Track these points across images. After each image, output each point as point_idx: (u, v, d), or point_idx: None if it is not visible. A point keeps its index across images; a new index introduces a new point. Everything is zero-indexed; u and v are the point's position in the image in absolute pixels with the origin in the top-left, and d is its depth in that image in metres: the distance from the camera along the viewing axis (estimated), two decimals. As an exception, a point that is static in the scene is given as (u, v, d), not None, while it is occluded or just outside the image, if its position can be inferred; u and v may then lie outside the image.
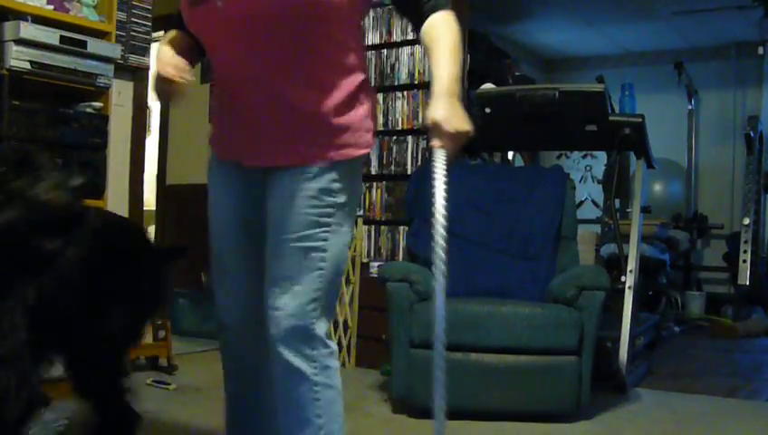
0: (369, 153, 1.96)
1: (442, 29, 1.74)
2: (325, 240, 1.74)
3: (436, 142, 1.71)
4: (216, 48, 1.79)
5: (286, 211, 1.74)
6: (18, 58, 3.10)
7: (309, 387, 1.72)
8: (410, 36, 4.21)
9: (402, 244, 4.17)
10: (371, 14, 4.34)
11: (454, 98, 1.71)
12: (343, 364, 4.19)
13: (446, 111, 1.68)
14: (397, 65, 4.26)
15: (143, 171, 4.37)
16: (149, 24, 4.20)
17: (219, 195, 1.92)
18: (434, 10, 1.76)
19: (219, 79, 1.86)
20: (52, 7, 3.30)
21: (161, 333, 3.91)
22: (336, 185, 1.75)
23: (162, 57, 1.83)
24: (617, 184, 4.53)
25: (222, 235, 1.93)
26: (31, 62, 3.14)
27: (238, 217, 1.89)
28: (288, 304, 1.72)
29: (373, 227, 4.31)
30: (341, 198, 1.76)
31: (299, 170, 1.74)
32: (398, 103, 4.25)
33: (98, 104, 3.45)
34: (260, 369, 1.91)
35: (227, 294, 1.96)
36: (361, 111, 1.79)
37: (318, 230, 1.73)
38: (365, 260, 4.27)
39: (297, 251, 1.73)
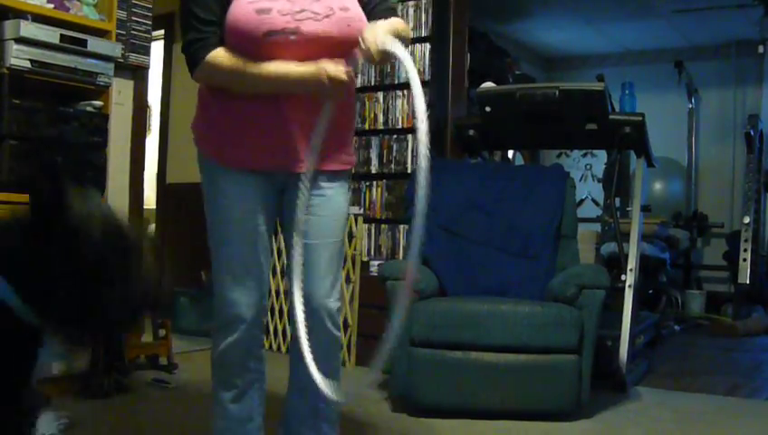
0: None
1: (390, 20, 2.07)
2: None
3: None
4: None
5: (328, 210, 2.14)
6: (18, 57, 3.10)
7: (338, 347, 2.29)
8: (410, 35, 4.20)
9: (402, 242, 4.17)
10: (371, 12, 4.34)
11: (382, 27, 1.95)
12: (343, 363, 4.19)
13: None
14: (397, 64, 4.26)
15: (143, 170, 4.37)
16: (150, 22, 4.20)
17: (236, 199, 2.09)
18: (384, 15, 2.10)
19: (265, 98, 2.02)
20: (52, 6, 3.29)
21: (161, 332, 3.92)
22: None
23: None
24: (617, 183, 4.53)
25: (244, 237, 2.11)
26: (31, 60, 3.14)
27: (260, 218, 2.12)
28: (331, 293, 2.17)
29: (373, 225, 4.31)
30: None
31: (341, 173, 2.17)
32: (399, 102, 4.25)
33: (98, 103, 3.45)
34: (262, 361, 2.26)
35: (250, 291, 2.15)
36: None
37: (345, 228, 2.22)
38: (365, 259, 4.27)
39: (338, 246, 2.17)
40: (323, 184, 2.13)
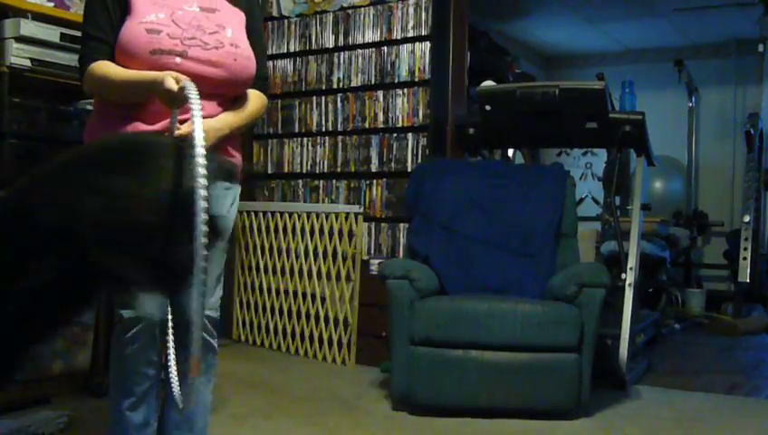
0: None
1: (252, 98, 2.22)
2: None
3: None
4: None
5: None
6: (19, 55, 3.10)
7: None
8: (411, 34, 4.21)
9: (402, 241, 4.17)
10: (372, 11, 4.34)
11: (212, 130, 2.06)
12: (344, 362, 4.20)
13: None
14: (397, 62, 4.26)
15: (143, 169, 4.36)
16: (149, 21, 4.19)
17: None
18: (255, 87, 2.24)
19: (146, 103, 2.07)
20: (52, 4, 3.30)
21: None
22: None
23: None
24: (617, 181, 4.53)
25: None
26: (31, 59, 3.14)
27: None
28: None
29: (373, 224, 4.31)
30: None
31: None
32: (399, 101, 4.25)
33: (98, 102, 3.45)
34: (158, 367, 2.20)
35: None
36: None
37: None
38: (365, 257, 4.27)
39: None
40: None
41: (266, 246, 4.58)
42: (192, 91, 1.67)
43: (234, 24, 2.17)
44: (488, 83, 4.51)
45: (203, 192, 1.33)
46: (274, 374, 3.93)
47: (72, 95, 3.42)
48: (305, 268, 4.38)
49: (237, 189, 2.27)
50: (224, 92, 2.14)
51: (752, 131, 6.21)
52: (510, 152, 5.08)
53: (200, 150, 1.36)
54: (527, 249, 3.61)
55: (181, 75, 1.91)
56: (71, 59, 3.26)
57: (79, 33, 3.25)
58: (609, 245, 5.35)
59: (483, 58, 5.18)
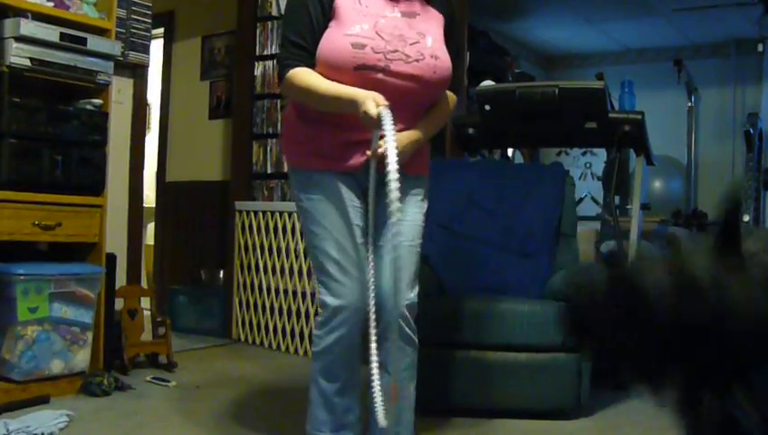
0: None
1: (445, 100, 2.37)
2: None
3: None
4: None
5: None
6: (18, 55, 3.10)
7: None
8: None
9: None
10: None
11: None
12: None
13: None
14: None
15: (143, 168, 4.37)
16: (149, 21, 4.20)
17: (326, 197, 2.26)
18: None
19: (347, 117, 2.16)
20: (52, 4, 3.30)
21: (161, 331, 3.92)
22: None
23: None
24: (617, 181, 4.53)
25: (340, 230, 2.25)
26: (31, 59, 3.14)
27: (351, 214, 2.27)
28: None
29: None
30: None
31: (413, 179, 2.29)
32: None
33: (98, 101, 3.46)
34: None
35: (354, 283, 2.25)
36: None
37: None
38: (365, 257, 4.26)
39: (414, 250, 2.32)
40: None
41: (266, 245, 4.58)
42: (387, 118, 1.90)
43: (433, 30, 2.22)
44: (487, 83, 4.51)
45: (398, 214, 1.81)
46: (274, 374, 3.93)
47: (72, 95, 3.42)
48: (305, 268, 4.38)
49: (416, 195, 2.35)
50: (422, 101, 2.24)
51: (751, 131, 6.21)
52: (509, 152, 5.08)
53: (395, 175, 1.80)
54: (527, 249, 3.61)
55: (381, 99, 2.00)
56: (70, 59, 3.27)
57: (78, 33, 3.29)
58: (608, 244, 5.35)
59: (482, 58, 5.18)
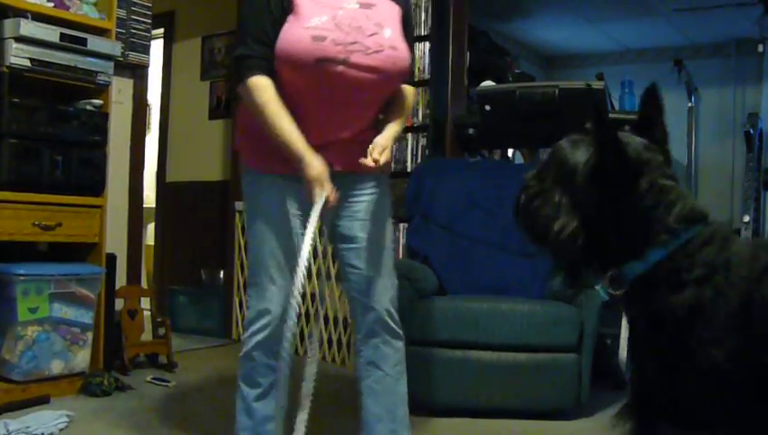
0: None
1: (403, 95, 2.30)
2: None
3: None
4: (330, 98, 2.11)
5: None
6: (18, 55, 3.10)
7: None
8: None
9: (402, 241, 4.17)
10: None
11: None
12: (343, 362, 4.20)
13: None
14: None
15: (143, 168, 4.37)
16: (149, 21, 4.20)
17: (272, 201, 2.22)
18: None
19: (307, 114, 2.12)
20: (52, 5, 3.30)
21: (161, 331, 3.92)
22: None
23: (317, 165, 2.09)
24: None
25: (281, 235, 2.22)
26: (31, 59, 3.14)
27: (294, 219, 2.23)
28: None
29: (373, 224, 4.30)
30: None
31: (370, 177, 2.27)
32: (398, 101, 4.24)
33: (98, 101, 3.46)
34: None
35: (280, 289, 2.23)
36: None
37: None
38: (365, 257, 4.26)
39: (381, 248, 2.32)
40: (355, 187, 2.25)
41: (266, 246, 4.57)
42: (319, 205, 2.00)
43: (390, 21, 2.18)
44: (488, 83, 4.51)
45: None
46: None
47: (72, 95, 3.42)
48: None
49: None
50: (380, 93, 2.20)
51: (751, 131, 6.21)
52: (510, 152, 5.08)
53: (305, 255, 1.97)
54: (527, 249, 3.60)
55: (324, 173, 2.05)
56: (70, 59, 3.27)
57: (78, 34, 3.29)
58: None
59: (482, 58, 5.17)
